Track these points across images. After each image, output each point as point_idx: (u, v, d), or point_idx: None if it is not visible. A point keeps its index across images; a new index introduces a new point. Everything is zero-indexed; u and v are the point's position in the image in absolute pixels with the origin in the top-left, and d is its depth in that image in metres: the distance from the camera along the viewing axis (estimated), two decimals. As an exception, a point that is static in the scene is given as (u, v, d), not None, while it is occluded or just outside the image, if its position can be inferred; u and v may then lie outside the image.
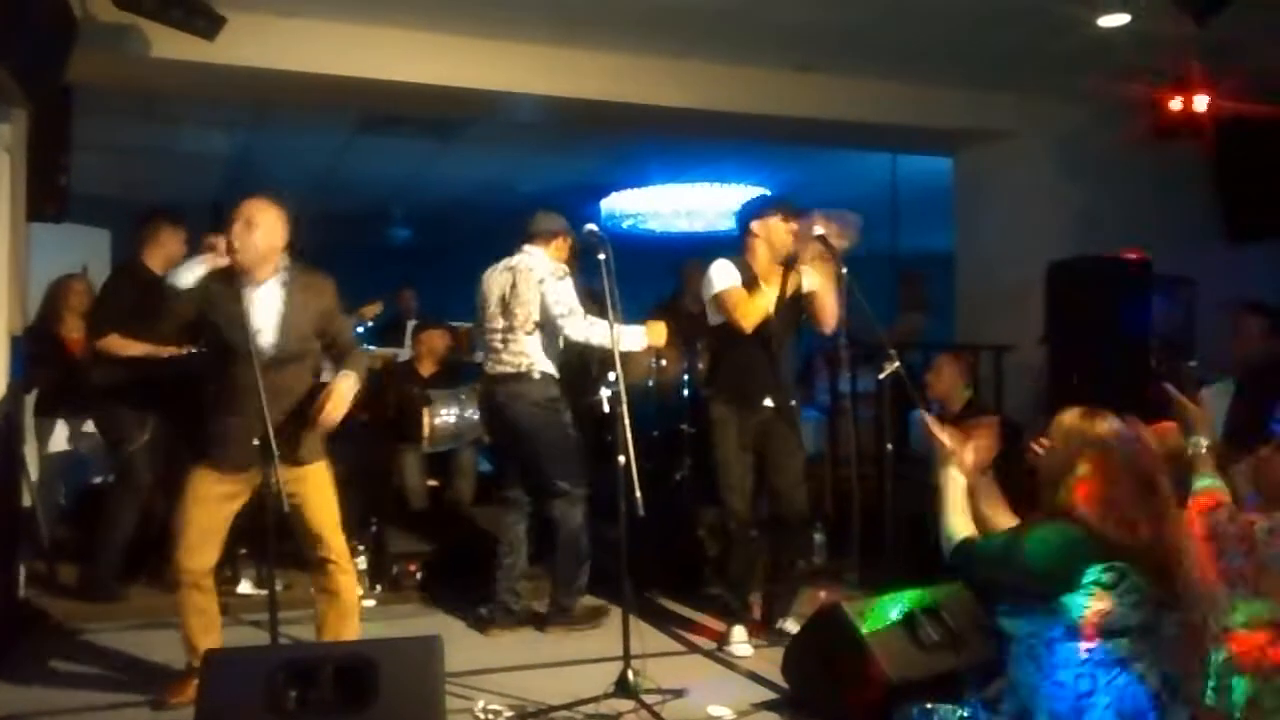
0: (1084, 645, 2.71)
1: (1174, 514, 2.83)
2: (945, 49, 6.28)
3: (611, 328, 4.32)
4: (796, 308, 4.86)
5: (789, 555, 5.02)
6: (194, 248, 5.29)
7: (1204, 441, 3.14)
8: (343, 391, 3.83)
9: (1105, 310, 5.98)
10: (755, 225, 4.86)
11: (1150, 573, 2.70)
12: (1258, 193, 6.98)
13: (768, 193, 10.13)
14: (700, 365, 6.36)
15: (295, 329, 3.86)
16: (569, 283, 4.91)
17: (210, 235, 3.79)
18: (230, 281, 3.75)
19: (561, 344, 5.05)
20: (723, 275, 4.80)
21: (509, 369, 4.96)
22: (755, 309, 4.72)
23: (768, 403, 4.81)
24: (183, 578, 3.88)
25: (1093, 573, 2.69)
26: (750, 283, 4.78)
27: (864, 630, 3.75)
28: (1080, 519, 2.75)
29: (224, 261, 3.73)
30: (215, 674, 3.32)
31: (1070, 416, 2.89)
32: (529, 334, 4.92)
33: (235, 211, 3.81)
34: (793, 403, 4.93)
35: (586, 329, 4.83)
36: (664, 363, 6.39)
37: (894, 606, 3.88)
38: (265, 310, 3.83)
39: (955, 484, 3.04)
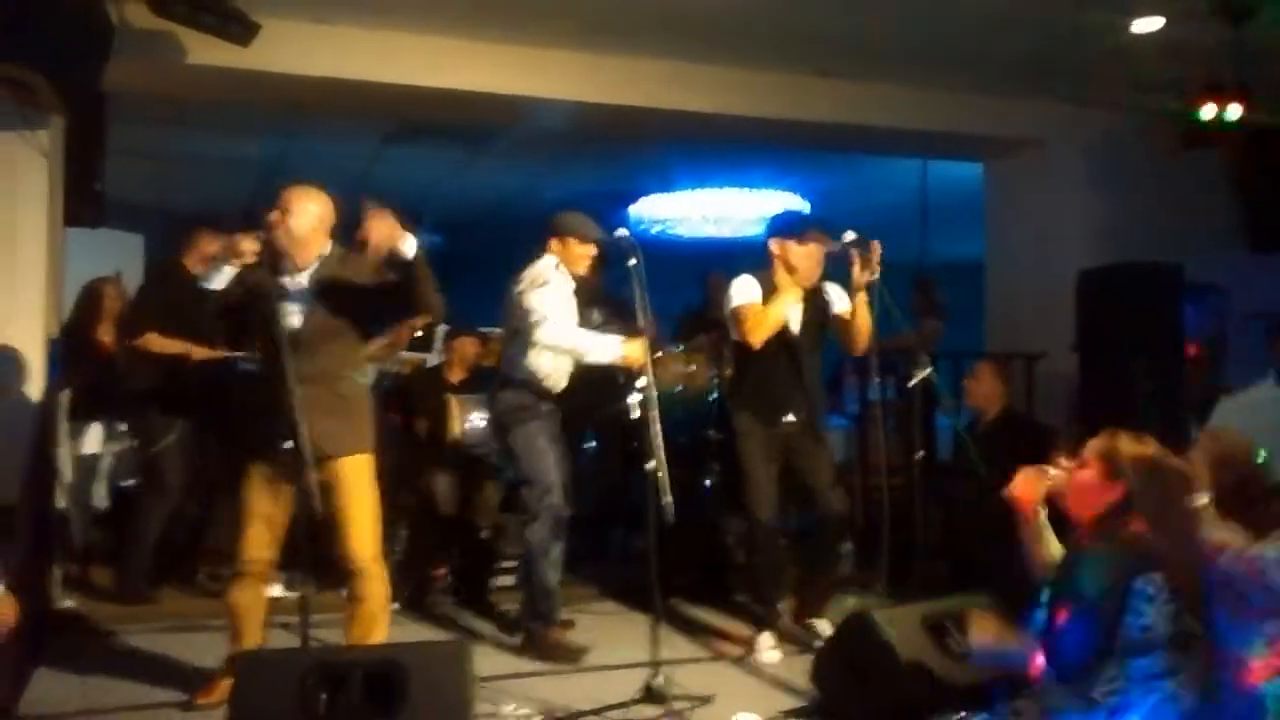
0: (1120, 661, 2.70)
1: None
2: (974, 55, 6.26)
3: (643, 334, 4.31)
4: (821, 322, 4.86)
5: (824, 555, 4.98)
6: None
7: (1202, 498, 3.12)
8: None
9: (1137, 318, 5.93)
10: (772, 244, 4.86)
11: (1184, 589, 2.70)
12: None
13: (796, 205, 10.15)
14: (728, 372, 6.38)
15: (328, 313, 3.86)
16: (549, 289, 4.73)
17: (237, 236, 3.81)
18: (270, 271, 3.81)
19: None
20: (741, 291, 4.81)
21: (500, 377, 4.94)
22: (764, 325, 4.72)
23: (790, 418, 4.80)
24: (244, 568, 3.92)
25: (1138, 585, 2.68)
26: (771, 297, 4.79)
27: (894, 641, 3.73)
28: (1124, 533, 2.77)
29: (250, 260, 3.77)
30: (247, 676, 3.35)
31: (1123, 441, 2.90)
32: (509, 340, 4.88)
33: (277, 200, 3.88)
34: (819, 415, 4.91)
35: (556, 334, 4.68)
36: (692, 369, 6.38)
37: (924, 616, 3.86)
38: (300, 296, 3.86)
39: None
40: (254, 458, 3.90)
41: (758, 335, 4.72)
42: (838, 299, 4.86)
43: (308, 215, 3.87)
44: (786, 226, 4.94)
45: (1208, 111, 6.21)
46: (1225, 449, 3.25)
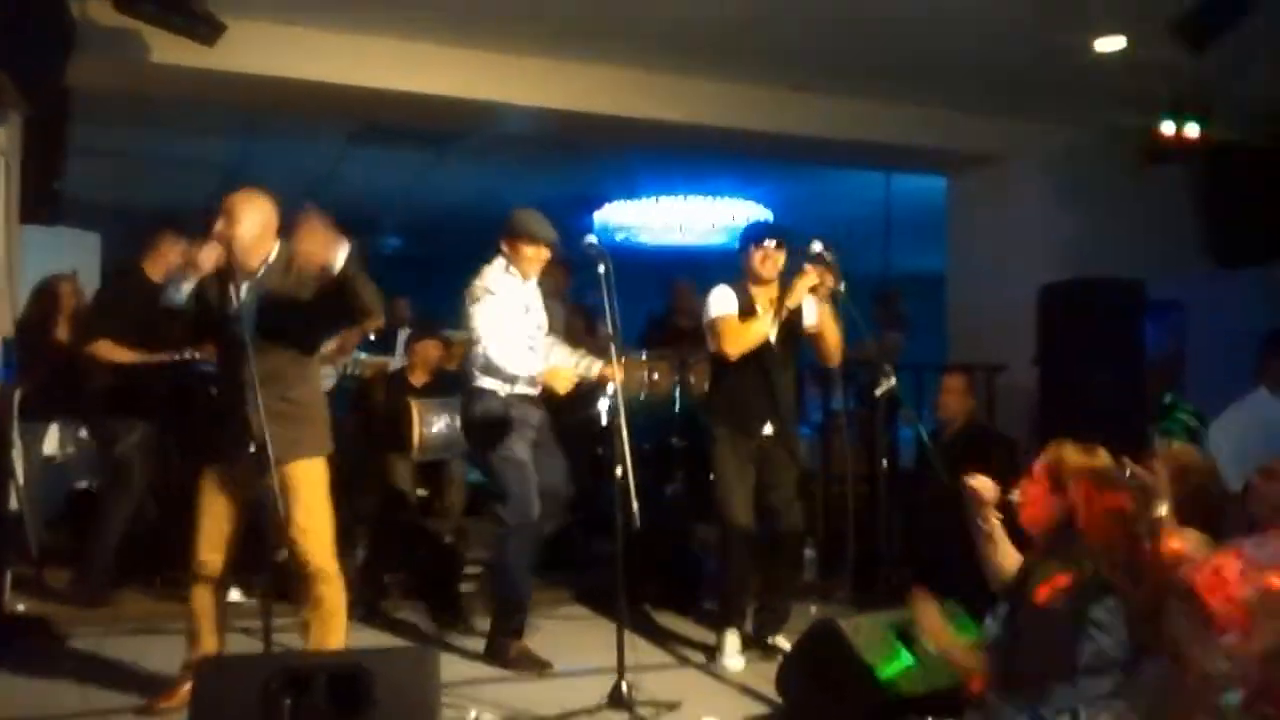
0: (1071, 681, 2.73)
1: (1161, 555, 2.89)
2: (940, 71, 6.33)
3: (614, 342, 4.28)
4: (794, 333, 4.87)
5: (783, 572, 4.99)
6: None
7: (1162, 509, 3.16)
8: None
9: (1097, 333, 6.01)
10: (742, 255, 4.90)
11: (1138, 611, 2.73)
12: (1247, 217, 7.04)
13: (765, 215, 10.19)
14: (691, 379, 6.39)
15: (274, 319, 3.82)
16: (487, 303, 4.61)
17: (194, 248, 3.79)
18: (222, 277, 3.78)
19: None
20: (718, 302, 4.82)
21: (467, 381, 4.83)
22: (743, 339, 4.73)
23: (767, 430, 4.80)
24: (200, 570, 3.89)
25: (1092, 611, 2.71)
26: (746, 307, 4.79)
27: (861, 648, 3.75)
28: (1085, 555, 2.80)
29: (209, 270, 3.75)
30: (208, 681, 3.31)
31: (1068, 452, 2.93)
32: (470, 345, 4.77)
33: (220, 207, 3.83)
34: (793, 428, 4.92)
35: (489, 357, 4.56)
36: (655, 376, 6.39)
37: (889, 623, 3.88)
38: (252, 299, 3.83)
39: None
40: (210, 460, 3.88)
41: (735, 349, 4.73)
42: (808, 313, 4.87)
43: (252, 221, 3.82)
44: (750, 234, 4.98)
45: (1168, 128, 6.34)
46: (1182, 459, 3.32)
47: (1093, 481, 2.89)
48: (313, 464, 3.89)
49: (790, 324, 4.85)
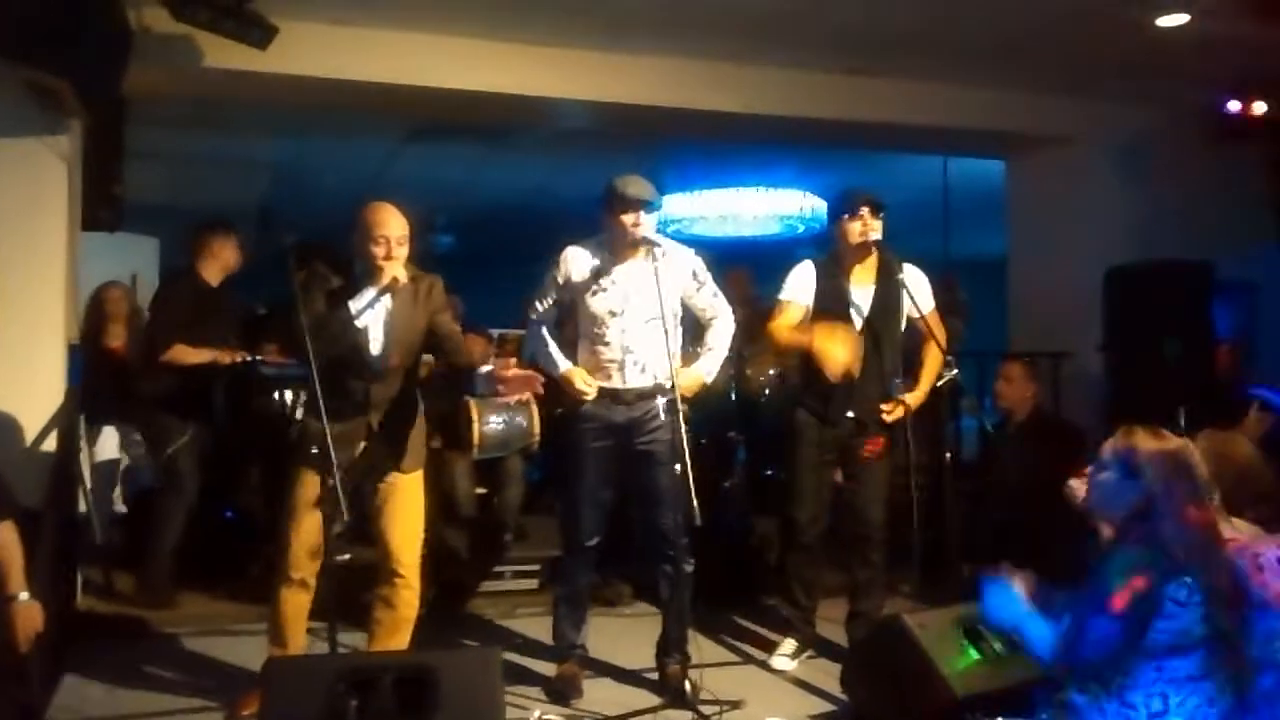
0: (1156, 664, 2.66)
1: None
2: (998, 52, 6.20)
3: (667, 334, 4.16)
4: (891, 309, 4.59)
5: (862, 573, 4.73)
6: (248, 254, 5.40)
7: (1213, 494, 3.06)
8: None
9: (1166, 315, 5.87)
10: (833, 228, 4.67)
11: (1216, 594, 2.66)
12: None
13: (820, 203, 10.04)
14: (747, 371, 6.32)
15: (405, 338, 3.89)
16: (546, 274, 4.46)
17: (379, 261, 3.77)
18: (351, 295, 3.81)
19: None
20: (790, 286, 4.64)
21: None
22: (780, 336, 4.60)
23: (851, 414, 4.56)
24: (295, 575, 3.87)
25: (1169, 590, 2.64)
26: (832, 291, 4.59)
27: (927, 645, 3.67)
28: (1150, 537, 2.72)
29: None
30: (276, 681, 3.33)
31: (1140, 438, 2.84)
32: None
33: (379, 227, 3.77)
34: (882, 415, 4.59)
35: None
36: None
37: (956, 619, 3.81)
38: (379, 320, 3.86)
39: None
40: (306, 461, 3.81)
41: (774, 334, 4.63)
42: (919, 294, 4.59)
43: (407, 239, 3.83)
44: (842, 204, 4.66)
45: (1234, 105, 6.18)
46: (1224, 447, 3.23)
47: (1171, 467, 2.80)
48: (419, 476, 3.99)
49: (890, 297, 4.56)
